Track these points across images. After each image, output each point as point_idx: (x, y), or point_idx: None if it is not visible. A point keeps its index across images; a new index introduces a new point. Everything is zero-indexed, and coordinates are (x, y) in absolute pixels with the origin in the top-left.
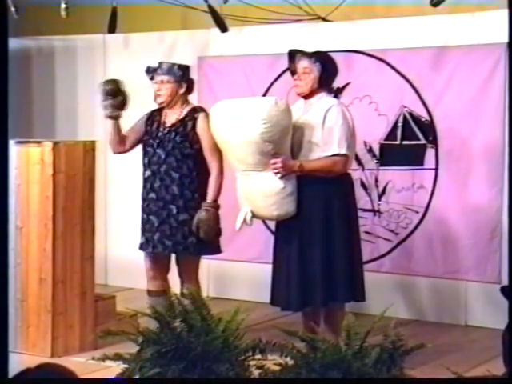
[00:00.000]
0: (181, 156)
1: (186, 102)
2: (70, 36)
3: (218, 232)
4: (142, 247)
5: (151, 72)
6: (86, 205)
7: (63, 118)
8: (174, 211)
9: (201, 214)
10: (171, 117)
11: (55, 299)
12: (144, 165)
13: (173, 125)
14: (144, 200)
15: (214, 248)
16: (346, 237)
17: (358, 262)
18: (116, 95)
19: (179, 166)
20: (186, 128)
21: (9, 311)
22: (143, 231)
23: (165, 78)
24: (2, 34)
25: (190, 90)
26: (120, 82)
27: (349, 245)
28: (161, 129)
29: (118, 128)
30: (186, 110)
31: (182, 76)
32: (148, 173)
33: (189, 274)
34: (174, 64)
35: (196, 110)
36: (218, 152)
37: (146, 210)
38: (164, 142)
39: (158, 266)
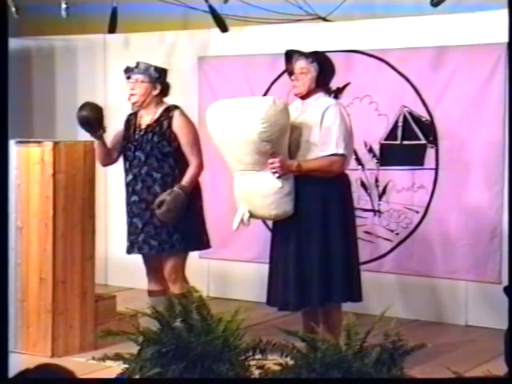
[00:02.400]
0: (161, 155)
1: (160, 102)
2: (70, 36)
3: (178, 215)
4: (128, 251)
5: (129, 71)
6: (87, 205)
7: (63, 118)
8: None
9: (166, 194)
10: (146, 118)
11: (55, 299)
12: (125, 170)
13: (148, 125)
14: (128, 204)
15: (202, 243)
16: (342, 237)
17: (355, 262)
18: (91, 122)
19: (160, 166)
20: (162, 127)
21: (9, 311)
22: (128, 235)
23: (140, 77)
24: (2, 34)
25: (164, 92)
26: (92, 106)
27: (346, 245)
28: (137, 131)
29: (102, 144)
30: (160, 110)
31: (158, 78)
32: (130, 177)
33: (175, 274)
34: (151, 65)
35: (170, 109)
36: (197, 147)
37: (129, 213)
38: (142, 144)
39: (154, 267)
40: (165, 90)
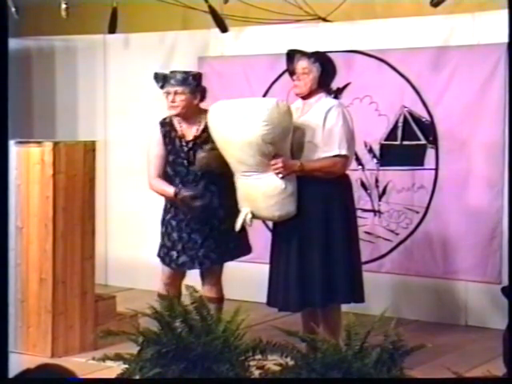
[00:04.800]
0: None
1: (201, 110)
2: (70, 36)
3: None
4: (184, 265)
5: (161, 80)
6: (86, 205)
7: (63, 118)
8: (217, 224)
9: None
10: (190, 129)
11: (55, 299)
12: (175, 185)
13: (196, 137)
14: (181, 220)
15: (245, 247)
16: (344, 237)
17: (357, 263)
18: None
19: (217, 179)
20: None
21: (9, 311)
22: (184, 250)
23: (179, 88)
24: (1, 34)
25: (202, 98)
26: None
27: (347, 245)
28: (183, 144)
29: None
30: (204, 119)
31: (196, 86)
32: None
33: (218, 277)
34: (187, 73)
35: None
36: None
37: (184, 229)
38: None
39: (178, 275)
40: (203, 95)
